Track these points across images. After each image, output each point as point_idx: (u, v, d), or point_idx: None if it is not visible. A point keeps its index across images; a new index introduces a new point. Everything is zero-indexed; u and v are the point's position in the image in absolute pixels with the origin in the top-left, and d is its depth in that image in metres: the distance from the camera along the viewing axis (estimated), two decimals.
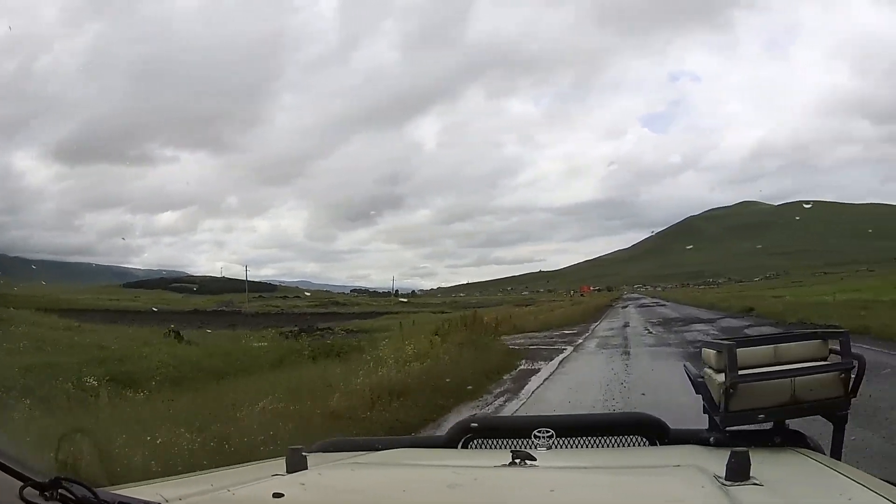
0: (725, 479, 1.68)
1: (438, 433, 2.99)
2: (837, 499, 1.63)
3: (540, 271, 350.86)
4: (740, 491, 1.61)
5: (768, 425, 2.35)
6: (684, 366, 2.90)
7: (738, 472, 1.68)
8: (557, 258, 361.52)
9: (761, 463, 1.74)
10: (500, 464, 1.95)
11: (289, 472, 1.88)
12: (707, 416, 2.51)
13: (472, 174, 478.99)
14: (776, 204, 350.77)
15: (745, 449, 1.73)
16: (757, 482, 1.66)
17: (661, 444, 2.53)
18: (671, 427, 2.59)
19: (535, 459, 1.95)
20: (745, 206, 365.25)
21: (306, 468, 1.90)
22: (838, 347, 2.32)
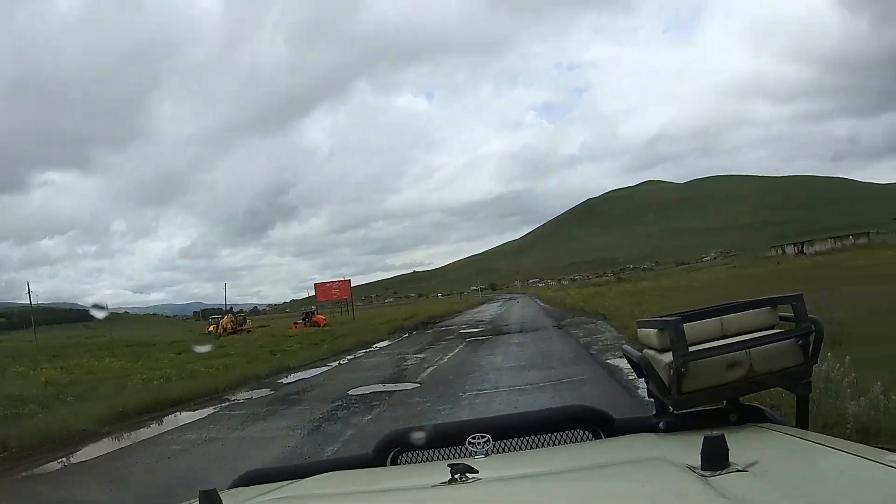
0: (703, 469, 1.47)
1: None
2: (836, 473, 1.53)
3: (414, 272, 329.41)
4: (725, 480, 1.41)
5: (719, 403, 2.13)
6: (623, 348, 2.70)
7: (716, 460, 1.48)
8: (447, 260, 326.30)
9: (729, 445, 1.50)
10: (438, 482, 1.63)
11: None
12: (654, 401, 2.30)
13: (363, 177, 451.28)
14: (682, 182, 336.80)
15: (720, 433, 1.52)
16: (739, 468, 1.46)
17: (606, 437, 2.21)
18: (615, 417, 2.27)
19: (476, 471, 1.63)
20: (650, 186, 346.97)
21: None
22: (789, 314, 2.10)
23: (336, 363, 23.75)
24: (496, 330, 31.49)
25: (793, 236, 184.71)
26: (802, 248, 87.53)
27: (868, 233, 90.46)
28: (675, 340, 1.98)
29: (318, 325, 57.45)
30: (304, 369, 22.04)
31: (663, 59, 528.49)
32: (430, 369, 17.85)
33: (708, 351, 2.01)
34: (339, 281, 79.70)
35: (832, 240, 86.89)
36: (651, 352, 2.21)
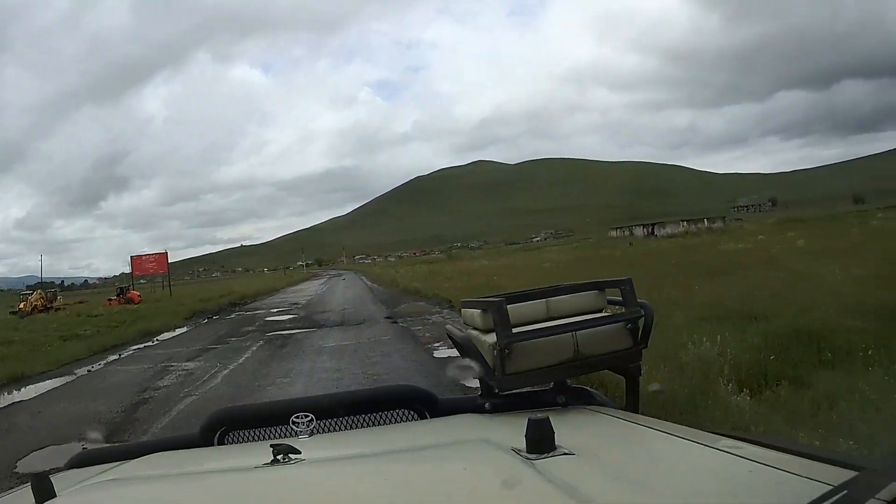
0: (528, 451, 1.44)
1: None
2: (664, 456, 1.54)
3: (241, 245, 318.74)
4: (551, 463, 1.38)
5: (547, 385, 2.13)
6: (446, 329, 2.59)
7: (541, 443, 1.44)
8: (276, 234, 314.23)
9: (556, 428, 1.48)
10: (261, 462, 1.63)
11: (37, 502, 1.54)
12: (479, 382, 2.21)
13: (196, 149, 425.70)
14: (513, 163, 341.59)
15: (544, 416, 1.49)
16: (566, 451, 1.44)
17: (431, 417, 2.19)
18: (439, 397, 2.27)
19: (298, 452, 1.62)
20: (481, 166, 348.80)
21: (55, 495, 1.57)
22: (619, 297, 2.13)
23: (86, 369, 17.33)
24: (309, 320, 24.62)
25: (626, 220, 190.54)
26: (653, 229, 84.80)
27: (724, 217, 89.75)
28: (499, 321, 1.95)
29: (133, 302, 53.00)
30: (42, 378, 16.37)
31: (504, 42, 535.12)
32: (185, 403, 11.09)
33: (532, 332, 2.00)
34: (155, 254, 72.53)
35: (686, 223, 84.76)
36: (475, 332, 2.18)
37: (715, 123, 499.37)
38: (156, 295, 61.26)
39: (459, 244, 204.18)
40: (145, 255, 72.44)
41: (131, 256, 71.51)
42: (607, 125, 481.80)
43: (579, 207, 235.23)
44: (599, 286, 2.21)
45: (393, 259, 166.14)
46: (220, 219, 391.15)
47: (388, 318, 21.85)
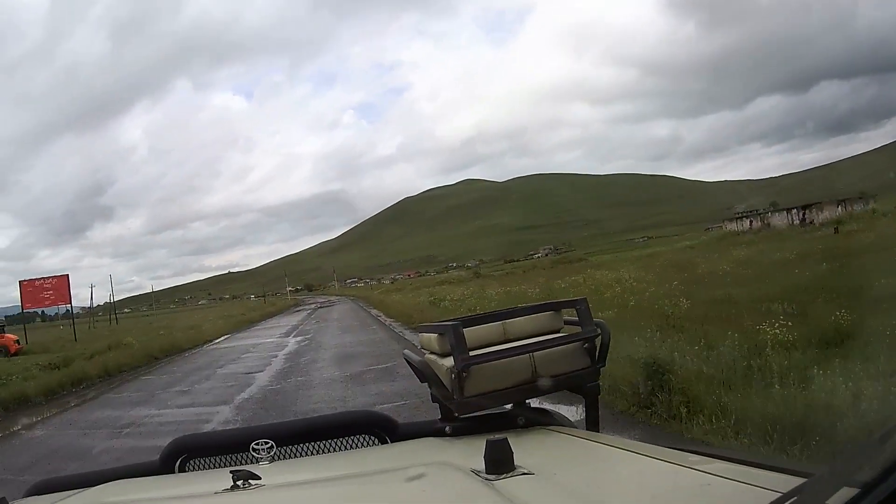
0: (487, 473, 1.41)
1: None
2: (625, 475, 1.49)
3: (229, 272, 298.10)
4: (510, 484, 1.35)
5: (507, 407, 2.05)
6: (404, 353, 2.48)
7: (500, 464, 1.42)
8: (264, 261, 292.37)
9: (515, 448, 1.45)
10: (221, 489, 1.59)
11: None
12: (438, 406, 2.16)
13: (180, 177, 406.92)
14: (501, 180, 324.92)
15: (502, 437, 1.47)
16: (525, 471, 1.41)
17: (392, 442, 2.11)
18: (399, 422, 2.19)
19: (258, 478, 1.59)
20: (468, 185, 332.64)
21: None
22: (574, 318, 2.06)
23: None
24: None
25: (621, 231, 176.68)
26: (804, 215, 62.58)
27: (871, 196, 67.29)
28: (455, 344, 1.89)
29: (8, 352, 33.73)
30: None
31: (483, 60, 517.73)
32: None
33: (489, 355, 1.94)
34: (52, 278, 46.49)
35: (842, 205, 61.86)
36: (433, 356, 2.09)
37: (695, 133, 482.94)
38: (62, 336, 42.30)
39: (455, 264, 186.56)
40: (39, 279, 46.52)
41: (21, 282, 45.44)
42: (588, 139, 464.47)
43: (573, 222, 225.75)
44: (555, 307, 2.15)
45: (388, 282, 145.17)
46: (208, 247, 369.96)
47: None
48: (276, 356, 20.14)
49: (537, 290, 24.97)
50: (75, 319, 47.31)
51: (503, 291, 28.10)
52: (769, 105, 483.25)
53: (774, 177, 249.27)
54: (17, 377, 20.47)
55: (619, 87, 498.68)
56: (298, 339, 26.15)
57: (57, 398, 16.51)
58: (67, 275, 46.07)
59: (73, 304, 47.67)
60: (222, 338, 33.73)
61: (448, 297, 32.04)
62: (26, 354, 32.13)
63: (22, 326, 42.06)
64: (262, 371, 16.88)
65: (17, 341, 36.15)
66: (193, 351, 27.44)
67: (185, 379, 17.52)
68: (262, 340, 27.87)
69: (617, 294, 17.92)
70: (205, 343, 30.93)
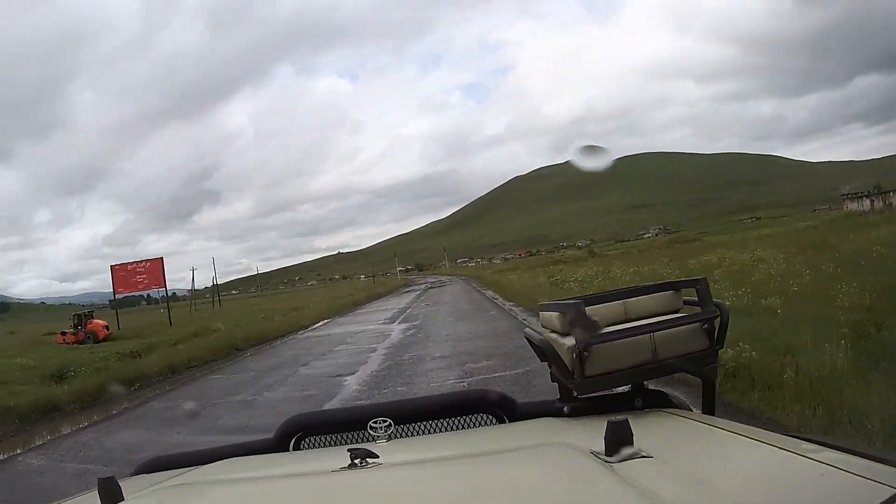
0: (606, 455, 1.36)
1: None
2: (741, 461, 1.43)
3: (339, 253, 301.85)
4: (629, 467, 1.30)
5: (624, 388, 1.98)
6: (525, 332, 2.32)
7: (620, 446, 1.36)
8: (374, 241, 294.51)
9: (634, 430, 1.41)
10: (339, 466, 1.54)
11: None
12: (558, 385, 2.03)
13: (288, 161, 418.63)
14: (612, 159, 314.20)
15: (623, 418, 1.41)
16: (644, 454, 1.36)
17: (510, 422, 2.05)
18: (518, 401, 2.10)
19: (376, 456, 1.55)
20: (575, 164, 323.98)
21: (122, 499, 1.48)
22: (694, 297, 1.99)
23: None
24: None
25: (727, 212, 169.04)
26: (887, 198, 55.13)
27: None
28: (578, 323, 1.83)
29: (97, 338, 32.51)
30: None
31: (588, 38, 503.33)
32: None
33: (610, 334, 1.86)
34: (145, 261, 43.36)
35: None
36: (553, 335, 2.02)
37: (798, 112, 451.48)
38: (160, 320, 39.56)
39: (565, 243, 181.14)
40: (132, 263, 43.27)
41: (112, 267, 42.69)
42: (695, 118, 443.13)
43: (679, 202, 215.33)
44: (675, 286, 2.08)
45: (499, 261, 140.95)
46: (318, 228, 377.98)
47: None
48: (374, 350, 15.95)
49: (668, 269, 21.98)
50: (181, 302, 45.87)
51: (632, 271, 24.70)
52: (869, 83, 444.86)
53: (877, 158, 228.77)
54: (85, 369, 17.56)
55: (723, 64, 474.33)
56: (404, 326, 22.02)
57: (88, 406, 12.96)
58: (161, 258, 43.75)
59: (177, 288, 46.12)
60: (320, 323, 30.24)
61: (571, 278, 29.02)
62: (114, 340, 30.32)
63: (115, 312, 40.95)
64: (353, 373, 12.75)
65: (107, 327, 35.22)
66: (284, 340, 23.98)
67: (256, 381, 13.61)
68: (363, 328, 23.88)
69: (767, 277, 14.84)
70: (300, 329, 27.50)
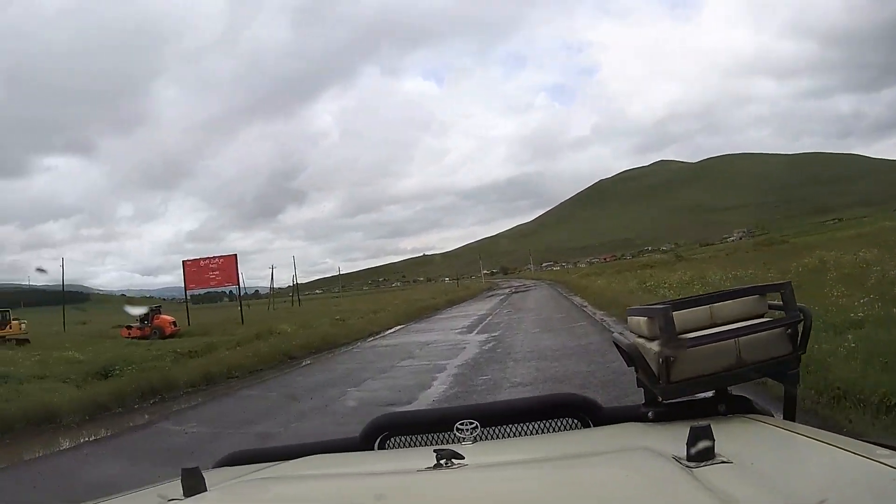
0: (688, 460, 1.37)
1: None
2: (823, 468, 1.43)
3: (423, 255, 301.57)
4: (710, 472, 1.31)
5: (708, 394, 1.97)
6: (614, 338, 2.34)
7: (701, 451, 1.37)
8: (459, 243, 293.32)
9: (716, 436, 1.41)
10: (424, 466, 1.55)
11: (186, 495, 1.49)
12: (642, 390, 2.06)
13: (374, 161, 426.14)
14: (694, 161, 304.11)
15: (706, 423, 1.42)
16: (725, 459, 1.36)
17: (594, 426, 2.05)
18: (604, 406, 2.11)
19: (462, 457, 1.54)
20: (662, 165, 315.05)
21: (205, 490, 1.51)
22: (777, 302, 1.96)
23: None
24: None
25: (811, 213, 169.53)
26: None
27: None
28: (665, 328, 1.83)
29: (163, 333, 31.15)
30: None
31: (668, 38, 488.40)
32: None
33: (697, 339, 1.84)
34: (218, 258, 41.57)
35: None
36: (641, 340, 2.02)
37: (878, 108, 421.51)
38: (233, 317, 37.83)
39: (649, 248, 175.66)
40: (204, 259, 41.34)
41: (184, 262, 40.82)
42: (777, 116, 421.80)
43: (760, 203, 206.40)
44: (760, 291, 2.03)
45: (584, 265, 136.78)
46: (403, 229, 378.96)
47: None
48: (443, 369, 13.33)
49: (770, 273, 20.76)
50: (262, 300, 44.89)
51: (732, 276, 22.43)
52: None
53: None
54: (133, 368, 15.93)
55: (801, 61, 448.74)
56: (482, 337, 19.34)
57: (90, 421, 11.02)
58: (235, 255, 41.88)
59: (260, 286, 44.94)
60: (392, 330, 27.85)
61: (665, 283, 27.03)
62: (180, 337, 29.37)
63: (186, 307, 39.86)
64: (410, 402, 10.25)
65: (174, 323, 33.29)
66: (347, 348, 21.62)
67: (291, 404, 11.44)
68: (437, 337, 21.40)
69: (883, 280, 13.42)
70: (368, 336, 25.18)
